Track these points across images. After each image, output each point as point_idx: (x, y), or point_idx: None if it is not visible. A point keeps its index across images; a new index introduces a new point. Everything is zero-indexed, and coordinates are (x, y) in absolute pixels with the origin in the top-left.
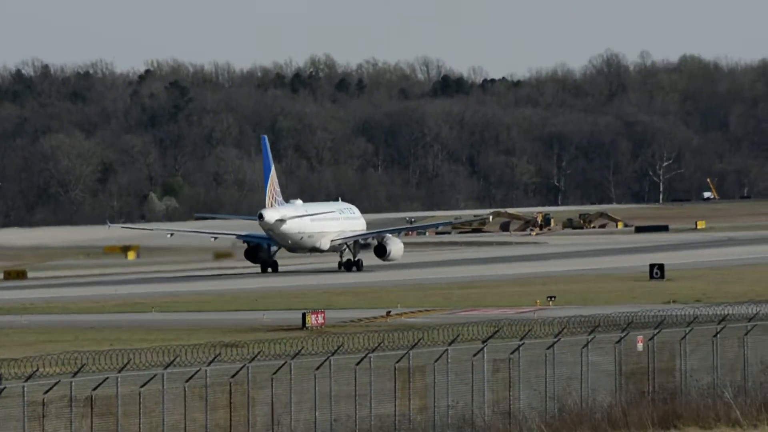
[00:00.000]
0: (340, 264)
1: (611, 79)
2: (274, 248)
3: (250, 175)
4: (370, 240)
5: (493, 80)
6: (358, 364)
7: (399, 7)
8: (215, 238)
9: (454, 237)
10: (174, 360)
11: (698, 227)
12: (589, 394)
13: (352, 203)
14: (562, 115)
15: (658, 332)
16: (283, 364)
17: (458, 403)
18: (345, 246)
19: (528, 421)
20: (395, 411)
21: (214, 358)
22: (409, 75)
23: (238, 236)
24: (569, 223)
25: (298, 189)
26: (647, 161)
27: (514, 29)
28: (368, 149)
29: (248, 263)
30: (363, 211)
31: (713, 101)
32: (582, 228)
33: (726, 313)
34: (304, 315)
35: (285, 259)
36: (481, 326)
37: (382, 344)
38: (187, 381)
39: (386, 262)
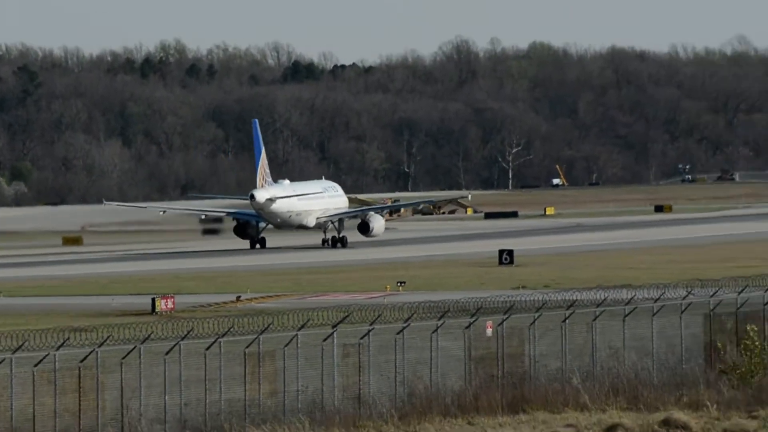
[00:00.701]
0: (324, 241)
1: (461, 66)
2: (262, 225)
3: (98, 160)
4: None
5: (343, 66)
6: (207, 348)
7: None
8: (204, 216)
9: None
10: (22, 344)
11: (547, 214)
12: (439, 379)
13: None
14: (412, 102)
15: (507, 318)
16: (133, 349)
17: (308, 388)
18: (330, 223)
19: (378, 405)
20: (245, 395)
21: (63, 342)
22: (259, 61)
23: (228, 213)
24: (419, 210)
25: (147, 174)
26: (497, 148)
27: (364, 15)
28: (218, 135)
29: (237, 239)
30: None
31: (562, 88)
32: (432, 214)
33: (574, 298)
34: (153, 300)
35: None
36: (331, 311)
37: (232, 329)
38: (35, 365)
39: (369, 239)
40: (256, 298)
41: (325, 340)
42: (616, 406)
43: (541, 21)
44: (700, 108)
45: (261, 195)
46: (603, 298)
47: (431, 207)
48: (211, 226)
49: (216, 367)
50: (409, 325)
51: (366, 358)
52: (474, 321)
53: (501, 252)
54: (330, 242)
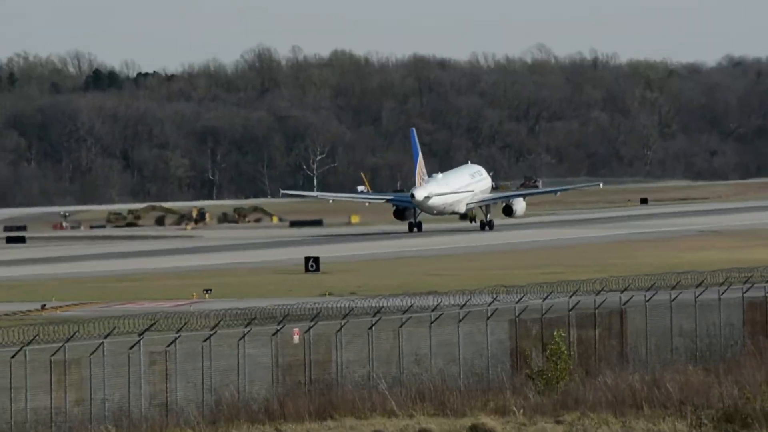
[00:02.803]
0: (471, 219)
1: (263, 74)
2: (419, 210)
3: None
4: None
5: (146, 74)
6: (13, 357)
7: (50, 0)
8: (369, 203)
9: (109, 231)
10: None
11: (352, 222)
12: (247, 386)
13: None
14: (215, 110)
15: (314, 324)
16: None
17: (114, 396)
18: (478, 208)
19: (185, 413)
20: (51, 404)
21: None
22: (60, 69)
23: (388, 200)
24: (224, 218)
25: None
26: (301, 155)
27: (166, 23)
28: (21, 143)
29: (397, 222)
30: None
31: (365, 96)
32: (237, 222)
33: (381, 305)
34: None
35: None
36: (137, 319)
37: (37, 337)
38: None
39: (514, 220)
40: (61, 307)
41: (131, 347)
42: (423, 411)
43: (342, 29)
44: (502, 116)
45: (419, 193)
46: (409, 304)
47: (236, 215)
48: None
49: (21, 376)
50: (215, 332)
51: (173, 366)
52: (281, 328)
53: (307, 259)
54: (480, 226)
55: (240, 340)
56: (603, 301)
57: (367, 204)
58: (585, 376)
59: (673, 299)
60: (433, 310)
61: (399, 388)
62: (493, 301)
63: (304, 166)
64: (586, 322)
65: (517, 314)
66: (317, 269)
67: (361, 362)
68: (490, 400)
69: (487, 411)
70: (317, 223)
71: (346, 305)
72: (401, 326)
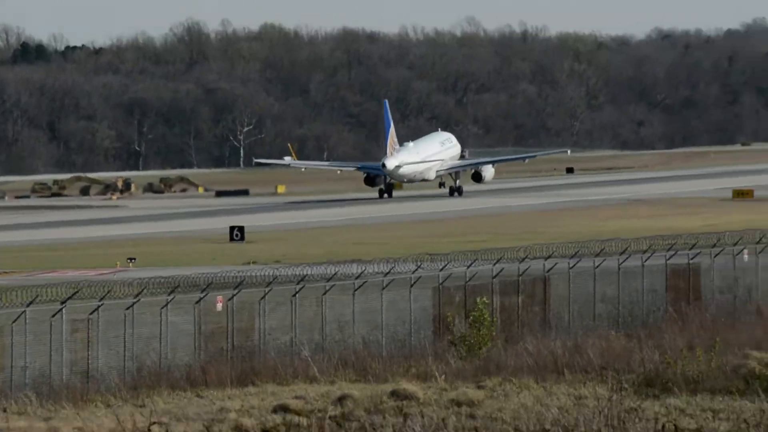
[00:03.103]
0: (441, 185)
1: (192, 47)
2: (389, 177)
3: None
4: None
5: (74, 47)
6: None
7: None
8: (340, 170)
9: (34, 201)
10: None
11: (278, 191)
12: (169, 354)
13: None
14: (143, 83)
15: (237, 293)
16: None
17: (36, 363)
18: (447, 175)
19: (106, 380)
20: None
21: None
22: None
23: (358, 167)
24: (150, 188)
25: None
26: (228, 127)
27: None
28: None
29: (367, 188)
30: None
31: (294, 69)
32: (162, 192)
33: (305, 273)
34: None
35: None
36: (60, 288)
37: None
38: None
39: (483, 186)
40: None
41: (53, 316)
42: (345, 377)
43: (272, 3)
44: (430, 88)
45: (390, 163)
46: (333, 272)
47: (162, 185)
48: None
49: None
50: (138, 300)
51: (95, 334)
52: (204, 296)
53: (232, 228)
54: (449, 191)
55: (163, 308)
56: (527, 269)
57: (339, 171)
58: (506, 342)
59: (597, 266)
60: (356, 278)
61: (322, 354)
62: (417, 269)
63: (231, 138)
64: (510, 290)
65: (440, 282)
66: (242, 238)
67: (284, 329)
68: (412, 366)
69: (409, 377)
70: (243, 192)
71: (270, 273)
72: (325, 294)
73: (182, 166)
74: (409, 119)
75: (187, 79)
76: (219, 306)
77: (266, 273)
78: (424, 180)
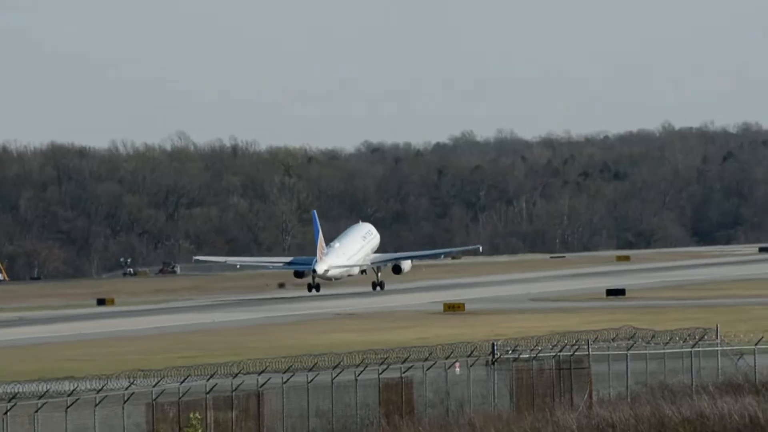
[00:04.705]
0: (363, 272)
1: None
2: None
3: None
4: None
5: None
6: None
7: None
8: (271, 266)
9: None
10: None
11: None
12: None
13: None
14: None
15: None
16: None
17: None
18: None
19: None
20: None
21: None
22: None
23: (286, 264)
24: None
25: None
26: None
27: None
28: None
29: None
30: None
31: (3, 185)
32: None
33: (16, 390)
34: None
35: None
36: None
37: None
38: None
39: (401, 276)
40: None
41: None
42: None
43: None
44: (141, 203)
45: (320, 267)
46: (45, 389)
47: None
48: None
49: None
50: None
51: None
52: None
53: None
54: (372, 286)
55: None
56: (240, 384)
57: (270, 266)
58: None
59: (310, 381)
60: (69, 395)
61: None
62: (130, 385)
63: None
64: (224, 405)
65: (154, 398)
66: None
67: None
68: None
69: None
70: None
71: None
72: (37, 411)
73: None
74: (120, 235)
75: None
76: None
77: None
78: (349, 275)
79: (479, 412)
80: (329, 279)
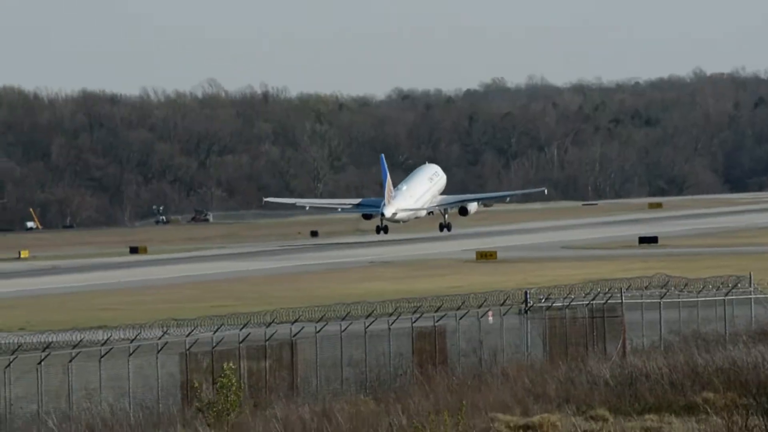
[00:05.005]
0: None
1: None
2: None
3: None
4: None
5: None
6: None
7: None
8: (340, 209)
9: None
10: None
11: (22, 257)
12: None
13: None
14: None
15: None
16: None
17: None
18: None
19: None
20: None
21: None
22: None
23: (355, 206)
24: None
25: None
26: None
27: None
28: None
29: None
30: None
31: (34, 132)
32: None
33: (50, 340)
34: None
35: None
36: None
37: None
38: None
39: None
40: None
41: None
42: None
43: (10, 65)
44: (173, 150)
45: (388, 211)
46: (79, 339)
47: None
48: None
49: None
50: None
51: None
52: None
53: None
54: (439, 227)
55: None
56: (273, 333)
57: (339, 209)
58: (255, 408)
59: (343, 330)
60: (102, 345)
61: (69, 423)
62: (163, 335)
63: None
64: (257, 354)
65: (187, 347)
66: None
67: (30, 398)
68: None
69: None
70: None
71: (14, 341)
72: (71, 361)
73: None
74: (152, 182)
75: None
76: None
77: (10, 341)
78: (417, 218)
79: (512, 361)
80: (397, 222)
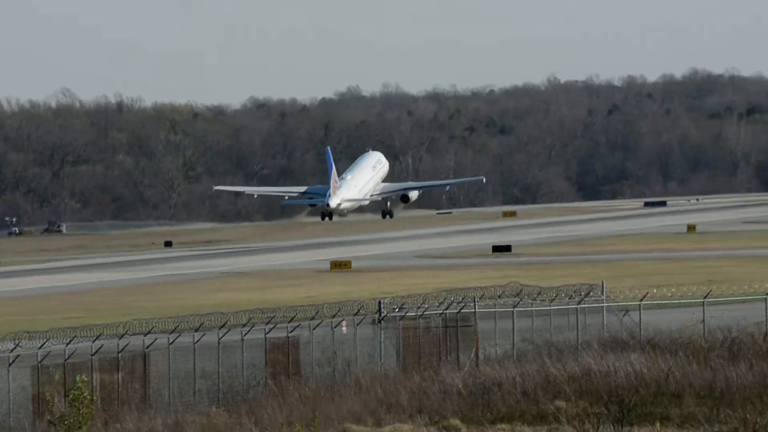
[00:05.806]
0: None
1: None
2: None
3: None
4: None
5: None
6: None
7: None
8: (287, 197)
9: None
10: None
11: None
12: None
13: None
14: None
15: None
16: None
17: None
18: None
19: None
20: None
21: None
22: None
23: (301, 193)
24: None
25: None
26: None
27: None
28: None
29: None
30: None
31: None
32: None
33: None
34: None
35: None
36: None
37: None
38: None
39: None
40: None
41: None
42: None
43: None
44: (26, 161)
45: (333, 201)
46: None
47: None
48: None
49: None
50: None
51: None
52: None
53: None
54: (382, 214)
55: None
56: (126, 345)
57: (286, 197)
58: (107, 422)
59: (196, 341)
60: None
61: None
62: (14, 347)
63: None
64: (110, 366)
65: (39, 360)
66: None
67: None
68: None
69: None
70: None
71: None
72: None
73: None
74: (5, 193)
75: None
76: None
77: None
78: (361, 206)
79: (366, 372)
80: (343, 212)
